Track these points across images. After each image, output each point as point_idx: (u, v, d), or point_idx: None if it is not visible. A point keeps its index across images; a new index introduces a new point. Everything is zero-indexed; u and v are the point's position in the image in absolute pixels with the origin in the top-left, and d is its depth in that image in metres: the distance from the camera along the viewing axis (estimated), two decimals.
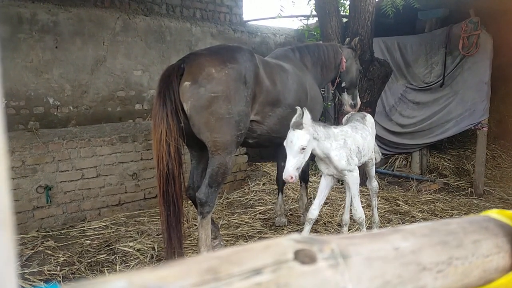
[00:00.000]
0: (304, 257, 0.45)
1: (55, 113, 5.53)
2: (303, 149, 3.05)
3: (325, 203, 5.14)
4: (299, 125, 3.06)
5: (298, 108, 3.17)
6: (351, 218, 4.07)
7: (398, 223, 4.80)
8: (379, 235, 0.57)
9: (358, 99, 4.95)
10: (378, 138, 7.06)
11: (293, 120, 3.14)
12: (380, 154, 4.42)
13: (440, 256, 0.58)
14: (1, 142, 0.32)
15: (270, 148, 4.92)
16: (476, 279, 0.64)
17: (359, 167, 3.64)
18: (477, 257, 0.63)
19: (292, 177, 3.02)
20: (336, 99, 5.85)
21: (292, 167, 3.03)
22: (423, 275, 0.55)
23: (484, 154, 6.30)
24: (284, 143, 3.13)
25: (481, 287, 0.66)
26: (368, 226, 4.20)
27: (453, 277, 0.59)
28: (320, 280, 0.44)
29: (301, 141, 3.03)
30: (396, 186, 6.52)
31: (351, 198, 3.69)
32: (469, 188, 6.25)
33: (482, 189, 6.19)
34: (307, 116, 3.07)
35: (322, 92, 5.93)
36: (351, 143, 3.49)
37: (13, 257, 0.29)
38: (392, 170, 7.27)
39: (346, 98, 4.85)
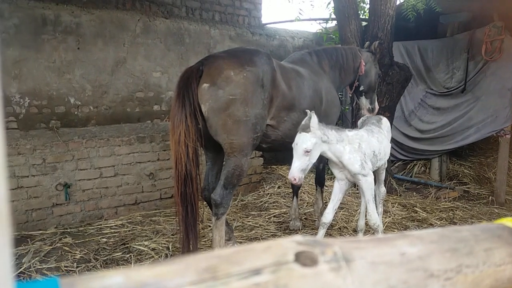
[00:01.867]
0: (305, 259, 0.44)
1: (76, 113, 5.64)
2: (307, 152, 3.07)
3: (341, 208, 5.09)
4: (305, 128, 3.09)
5: (308, 111, 3.18)
6: (366, 224, 4.01)
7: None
8: (385, 240, 0.55)
9: (377, 103, 4.88)
10: (396, 143, 6.99)
11: (302, 122, 3.16)
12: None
13: (449, 263, 0.56)
14: None
15: (286, 152, 4.89)
16: None
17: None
18: (489, 266, 0.61)
19: (295, 179, 3.07)
20: (354, 103, 5.79)
21: (296, 168, 3.07)
22: (430, 282, 0.53)
23: (506, 162, 6.12)
24: (292, 145, 3.17)
25: None
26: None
27: (463, 285, 0.57)
28: (321, 283, 0.43)
29: (305, 144, 3.06)
30: (414, 193, 6.40)
31: (366, 203, 3.64)
32: (490, 197, 6.09)
33: (503, 197, 6.02)
34: (314, 119, 3.08)
35: (340, 96, 5.88)
36: (366, 147, 3.45)
37: (8, 246, 0.29)
38: (411, 176, 7.15)
39: (364, 102, 4.79)
